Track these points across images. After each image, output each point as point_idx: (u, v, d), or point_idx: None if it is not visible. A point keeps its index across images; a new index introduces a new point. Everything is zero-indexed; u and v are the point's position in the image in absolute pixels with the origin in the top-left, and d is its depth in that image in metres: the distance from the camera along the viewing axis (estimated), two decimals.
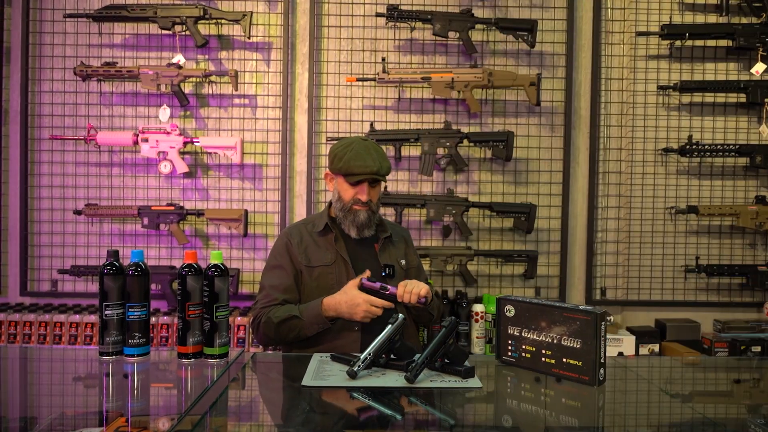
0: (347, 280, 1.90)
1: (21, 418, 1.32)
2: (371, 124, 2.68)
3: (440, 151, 2.65)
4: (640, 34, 2.74)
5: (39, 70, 2.74)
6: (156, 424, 1.26)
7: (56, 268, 2.71)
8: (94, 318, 2.51)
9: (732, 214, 2.73)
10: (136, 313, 1.53)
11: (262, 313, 1.90)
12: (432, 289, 2.03)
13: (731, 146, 2.71)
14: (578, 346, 1.47)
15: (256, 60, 2.76)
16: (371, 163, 1.87)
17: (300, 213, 2.76)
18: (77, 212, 2.66)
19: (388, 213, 2.71)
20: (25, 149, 2.72)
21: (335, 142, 2.09)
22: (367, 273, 1.85)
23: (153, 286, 2.59)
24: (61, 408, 1.39)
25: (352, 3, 2.75)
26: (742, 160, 2.78)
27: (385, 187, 2.68)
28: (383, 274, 1.95)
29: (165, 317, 2.54)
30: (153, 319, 2.50)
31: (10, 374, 1.63)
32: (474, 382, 1.48)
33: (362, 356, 1.49)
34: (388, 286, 1.81)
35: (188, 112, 2.75)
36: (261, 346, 2.47)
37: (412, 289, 1.80)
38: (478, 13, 2.70)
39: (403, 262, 2.05)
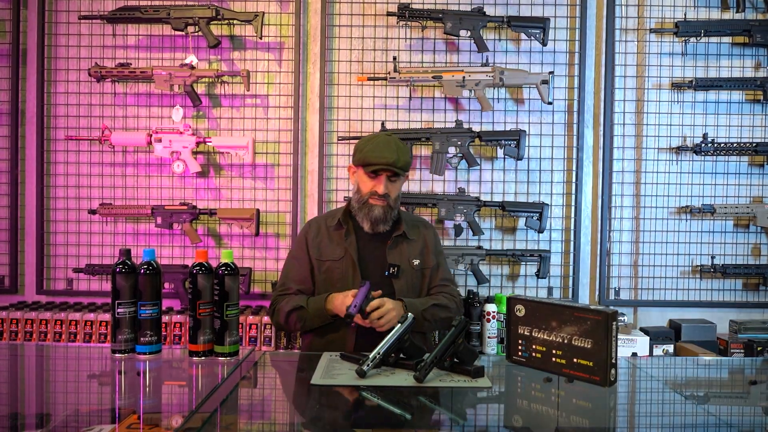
0: (352, 277, 1.95)
1: (37, 414, 1.34)
2: (382, 124, 2.68)
3: (451, 150, 2.64)
4: (653, 31, 2.71)
5: (54, 72, 2.77)
6: (167, 420, 1.27)
7: (71, 267, 2.75)
8: (108, 316, 2.54)
9: (748, 213, 2.69)
10: (147, 312, 1.54)
11: (277, 301, 2.00)
12: (454, 295, 2.05)
13: (748, 144, 2.67)
14: (589, 346, 1.46)
15: (268, 60, 2.77)
16: (389, 154, 1.90)
17: (312, 212, 2.77)
18: (92, 212, 2.69)
19: None
20: (41, 149, 2.75)
21: (361, 139, 2.10)
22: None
23: (166, 285, 2.62)
24: (75, 405, 1.41)
25: (363, 2, 2.75)
26: (759, 159, 2.74)
27: None
28: (386, 273, 1.95)
29: (178, 316, 2.56)
30: (166, 318, 2.53)
31: (27, 371, 1.66)
32: (483, 382, 1.47)
33: (371, 355, 1.49)
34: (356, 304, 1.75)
35: (201, 113, 2.77)
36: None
37: (380, 321, 1.79)
38: (489, 11, 2.68)
39: (417, 262, 2.02)
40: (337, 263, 1.98)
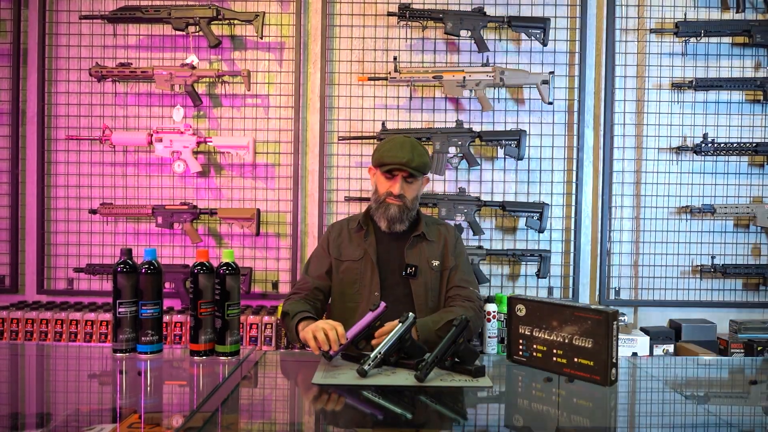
0: (371, 277, 1.97)
1: (37, 414, 1.34)
2: (383, 124, 2.68)
3: (452, 150, 2.65)
4: (653, 31, 2.71)
5: (55, 72, 2.77)
6: (168, 420, 1.27)
7: (72, 267, 2.75)
8: (108, 316, 2.54)
9: (748, 213, 2.69)
10: (149, 311, 1.54)
11: (288, 298, 2.01)
12: (471, 299, 1.98)
13: (748, 144, 2.67)
14: (590, 346, 1.46)
15: (269, 60, 2.77)
16: (402, 154, 1.92)
17: (312, 212, 2.77)
18: (92, 211, 2.69)
19: None
20: (41, 149, 2.75)
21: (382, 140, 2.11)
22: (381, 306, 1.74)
23: (167, 285, 2.62)
24: (76, 404, 1.41)
25: (364, 2, 2.75)
26: (759, 159, 2.74)
27: None
28: (404, 273, 1.96)
29: (178, 315, 2.56)
30: (167, 318, 2.53)
31: (27, 371, 1.66)
32: (484, 381, 1.47)
33: (372, 354, 1.50)
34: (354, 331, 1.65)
35: (201, 112, 2.78)
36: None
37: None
38: (489, 11, 2.69)
39: (436, 262, 2.01)
40: (355, 264, 2.00)
